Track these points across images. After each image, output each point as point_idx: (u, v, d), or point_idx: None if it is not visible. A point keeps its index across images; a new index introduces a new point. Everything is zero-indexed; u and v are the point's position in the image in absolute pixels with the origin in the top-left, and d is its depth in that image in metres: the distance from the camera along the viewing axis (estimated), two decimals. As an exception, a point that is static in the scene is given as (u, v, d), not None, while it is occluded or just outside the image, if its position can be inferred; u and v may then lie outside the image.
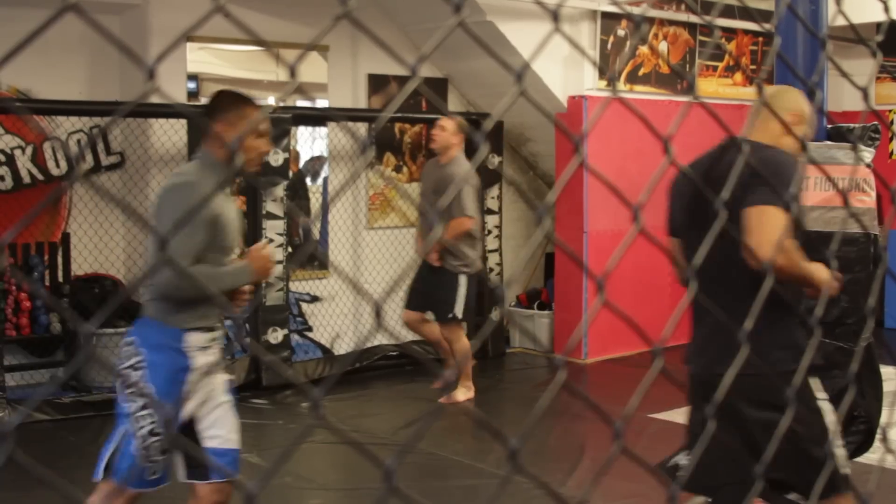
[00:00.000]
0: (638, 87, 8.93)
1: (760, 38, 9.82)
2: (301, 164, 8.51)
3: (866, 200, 4.21)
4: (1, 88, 7.03)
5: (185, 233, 3.22)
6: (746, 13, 8.86)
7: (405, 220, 8.75)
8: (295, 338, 7.92)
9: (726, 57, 9.57)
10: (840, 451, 3.40)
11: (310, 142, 8.57)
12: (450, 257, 6.88)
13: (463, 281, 6.88)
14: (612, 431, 1.07)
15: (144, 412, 3.41)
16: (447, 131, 6.91)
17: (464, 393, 7.10)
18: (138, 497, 3.59)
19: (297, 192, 8.30)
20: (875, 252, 4.11)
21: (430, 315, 7.07)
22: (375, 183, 8.62)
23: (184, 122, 7.29)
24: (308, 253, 6.71)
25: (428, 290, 6.91)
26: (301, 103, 8.17)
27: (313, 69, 8.24)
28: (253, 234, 7.39)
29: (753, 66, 9.80)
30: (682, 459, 3.76)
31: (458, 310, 6.90)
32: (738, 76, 9.78)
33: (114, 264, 7.51)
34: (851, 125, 4.19)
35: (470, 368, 7.24)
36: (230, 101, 3.56)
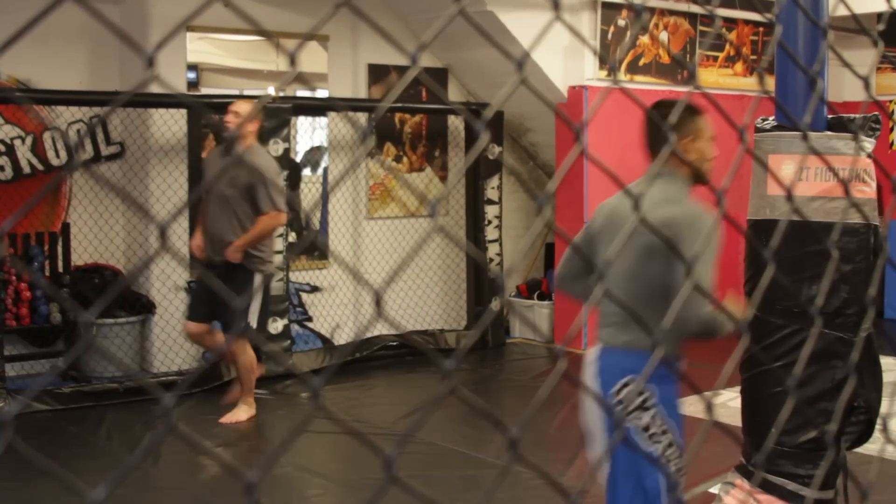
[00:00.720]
0: (638, 78, 8.92)
1: (761, 28, 9.80)
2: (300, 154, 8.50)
3: (867, 191, 4.21)
4: (1, 78, 7.01)
5: (710, 264, 3.06)
6: (747, 3, 8.84)
7: (405, 210, 8.75)
8: (295, 328, 7.93)
9: (727, 47, 9.56)
10: None
11: (310, 132, 8.56)
12: (251, 256, 6.15)
13: (257, 282, 6.20)
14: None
15: (671, 451, 3.23)
16: (243, 117, 6.18)
17: (245, 411, 6.40)
18: None
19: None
20: (876, 242, 4.10)
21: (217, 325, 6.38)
22: (376, 173, 8.61)
23: (184, 112, 7.29)
24: (308, 242, 6.61)
25: (216, 296, 5.98)
26: (301, 93, 8.16)
27: (313, 59, 8.23)
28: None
29: (754, 56, 9.79)
30: None
31: (254, 318, 6.25)
32: (739, 66, 9.76)
33: (114, 254, 7.51)
34: (852, 115, 4.19)
35: (253, 384, 6.47)
36: (687, 113, 3.36)
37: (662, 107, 3.46)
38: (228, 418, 6.33)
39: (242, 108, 6.21)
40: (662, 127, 3.33)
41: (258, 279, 6.19)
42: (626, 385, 3.21)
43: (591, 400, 3.26)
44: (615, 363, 3.24)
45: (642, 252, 3.19)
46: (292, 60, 1.00)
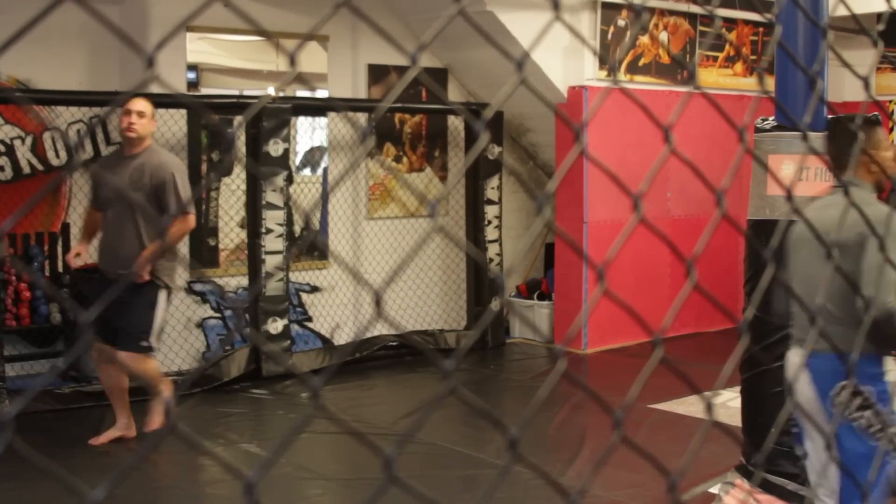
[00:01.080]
0: (638, 78, 8.92)
1: (761, 28, 9.80)
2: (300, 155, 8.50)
3: (867, 191, 4.21)
4: (1, 78, 7.01)
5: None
6: (747, 3, 8.84)
7: (405, 210, 8.75)
8: (295, 328, 7.92)
9: (727, 47, 9.56)
10: None
11: (310, 132, 8.57)
12: (158, 268, 5.60)
13: (163, 298, 5.69)
14: (612, 421, 1.07)
15: (891, 444, 3.49)
16: (147, 117, 5.71)
17: (159, 410, 5.87)
18: None
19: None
20: (875, 242, 4.11)
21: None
22: (375, 173, 8.61)
23: (183, 112, 7.28)
24: (308, 242, 6.57)
25: (118, 312, 5.44)
26: (301, 93, 8.16)
27: (313, 59, 8.23)
28: (253, 224, 7.40)
29: (754, 57, 9.78)
30: None
31: (154, 336, 5.72)
32: (739, 66, 9.76)
33: (114, 254, 7.50)
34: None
35: (160, 385, 5.88)
36: (869, 125, 3.69)
37: (845, 121, 3.68)
38: (148, 425, 5.78)
39: (147, 108, 5.72)
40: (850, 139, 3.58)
41: (163, 296, 5.69)
42: (843, 388, 3.43)
43: (810, 402, 3.50)
44: (827, 368, 3.41)
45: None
46: (292, 60, 1.00)
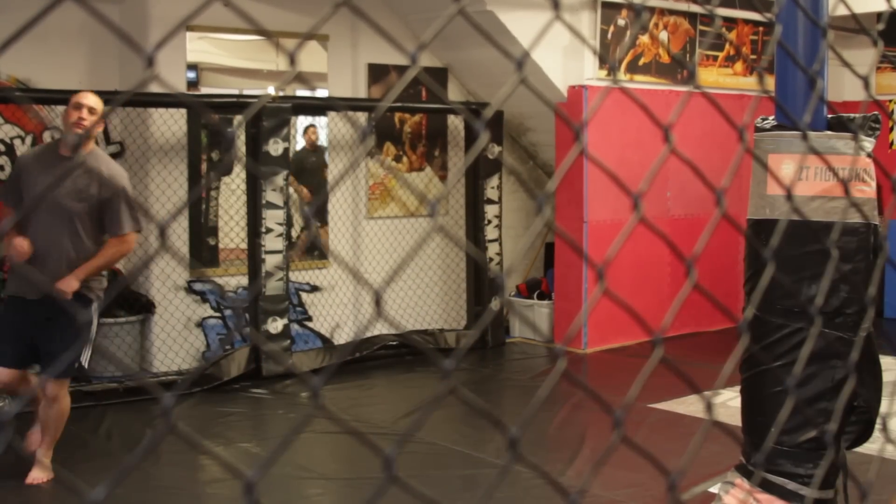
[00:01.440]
0: (638, 77, 8.92)
1: (761, 28, 9.80)
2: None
3: (867, 190, 4.21)
4: (1, 78, 7.01)
5: None
6: (747, 3, 8.84)
7: (405, 209, 8.75)
8: (295, 327, 7.93)
9: (727, 46, 9.56)
10: None
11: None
12: (89, 285, 4.97)
13: (95, 312, 5.07)
14: (612, 421, 1.07)
15: None
16: (97, 113, 5.05)
17: (45, 469, 4.84)
18: None
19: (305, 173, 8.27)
20: (875, 242, 4.11)
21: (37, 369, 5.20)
22: (375, 173, 8.61)
23: (183, 111, 7.29)
24: (309, 241, 6.55)
25: (43, 334, 4.82)
26: (301, 93, 8.16)
27: (313, 58, 8.23)
28: (253, 223, 7.40)
29: (754, 56, 9.78)
30: None
31: (87, 356, 5.19)
32: (739, 66, 9.76)
33: (114, 254, 7.50)
34: (852, 115, 4.19)
35: (58, 437, 5.01)
36: None
37: None
38: (32, 478, 4.89)
39: (95, 102, 5.06)
40: None
41: (94, 308, 5.04)
42: None
43: None
44: None
45: None
46: (292, 60, 1.00)
